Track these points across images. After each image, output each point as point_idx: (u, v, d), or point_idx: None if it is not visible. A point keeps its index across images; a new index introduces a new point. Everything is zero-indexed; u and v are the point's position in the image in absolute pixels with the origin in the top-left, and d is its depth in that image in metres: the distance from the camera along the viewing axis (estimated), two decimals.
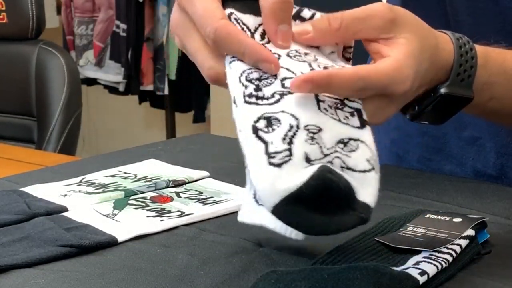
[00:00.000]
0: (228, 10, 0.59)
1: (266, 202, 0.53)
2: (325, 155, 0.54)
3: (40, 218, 0.73)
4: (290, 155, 0.53)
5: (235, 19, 0.59)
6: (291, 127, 0.54)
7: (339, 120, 0.56)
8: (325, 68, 0.58)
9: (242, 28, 0.59)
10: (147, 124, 3.76)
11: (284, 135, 0.53)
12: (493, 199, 0.80)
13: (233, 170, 0.88)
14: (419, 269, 0.57)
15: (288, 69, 0.57)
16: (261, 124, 0.54)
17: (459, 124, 0.92)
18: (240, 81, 0.57)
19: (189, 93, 3.22)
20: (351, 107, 0.58)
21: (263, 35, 0.60)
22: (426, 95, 0.67)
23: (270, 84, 0.56)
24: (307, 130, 0.54)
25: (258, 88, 0.56)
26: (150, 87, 3.22)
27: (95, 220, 0.73)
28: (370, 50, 0.62)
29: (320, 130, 0.55)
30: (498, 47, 0.73)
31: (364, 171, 0.55)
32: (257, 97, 0.56)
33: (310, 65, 0.58)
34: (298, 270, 0.56)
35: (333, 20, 0.60)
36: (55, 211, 0.76)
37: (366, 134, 0.57)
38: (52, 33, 3.02)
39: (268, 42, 0.60)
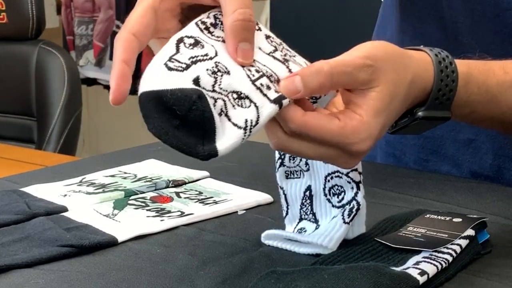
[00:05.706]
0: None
1: (141, 87, 0.56)
2: (213, 91, 0.55)
3: (40, 218, 0.74)
4: (185, 69, 0.55)
5: (201, 21, 0.61)
6: (206, 55, 0.57)
7: (253, 82, 0.57)
8: (270, 75, 0.59)
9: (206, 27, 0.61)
10: None
11: (195, 56, 0.56)
12: (492, 199, 0.80)
13: (233, 170, 0.88)
14: (419, 269, 0.57)
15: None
16: (188, 41, 0.58)
17: (455, 126, 0.92)
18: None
19: None
20: None
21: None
22: (404, 115, 0.66)
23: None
24: (216, 64, 0.56)
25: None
26: None
27: (95, 220, 0.73)
28: (343, 98, 0.61)
29: (227, 72, 0.56)
30: (482, 58, 0.71)
31: (235, 125, 0.55)
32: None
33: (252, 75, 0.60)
34: (298, 270, 0.56)
35: (323, 78, 0.58)
36: (55, 211, 0.76)
37: (268, 107, 0.56)
38: (52, 33, 3.02)
39: None
